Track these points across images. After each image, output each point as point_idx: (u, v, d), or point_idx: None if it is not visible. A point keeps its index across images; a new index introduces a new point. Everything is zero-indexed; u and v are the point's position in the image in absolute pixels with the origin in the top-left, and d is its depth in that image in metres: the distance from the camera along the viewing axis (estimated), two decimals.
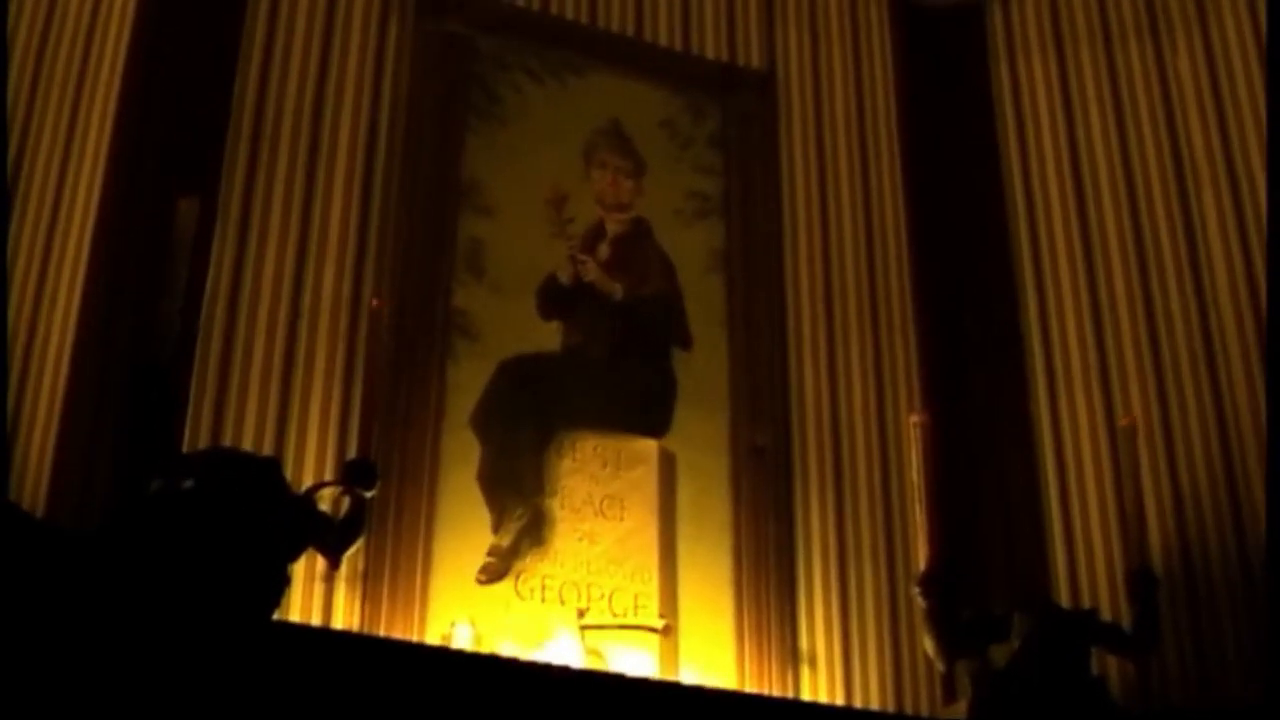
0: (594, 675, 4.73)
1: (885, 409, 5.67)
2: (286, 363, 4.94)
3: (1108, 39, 6.16)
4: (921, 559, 4.95)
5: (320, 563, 4.61)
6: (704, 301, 5.65)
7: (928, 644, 4.93)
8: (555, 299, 5.45)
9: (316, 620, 4.65)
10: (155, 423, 4.26)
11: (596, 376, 5.38)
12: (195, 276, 4.68)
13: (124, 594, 3.89)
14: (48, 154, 4.80)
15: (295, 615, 4.62)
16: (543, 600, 5.00)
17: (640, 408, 5.38)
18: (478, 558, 4.96)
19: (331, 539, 4.36)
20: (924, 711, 5.20)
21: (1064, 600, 5.31)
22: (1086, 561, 5.40)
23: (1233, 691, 5.07)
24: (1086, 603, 5.25)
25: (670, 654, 5.05)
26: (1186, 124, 5.87)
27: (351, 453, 4.66)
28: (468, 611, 4.85)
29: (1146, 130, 5.95)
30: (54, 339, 4.63)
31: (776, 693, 5.03)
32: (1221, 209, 5.66)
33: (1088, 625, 4.94)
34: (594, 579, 5.07)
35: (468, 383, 5.19)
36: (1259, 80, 5.75)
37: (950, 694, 5.15)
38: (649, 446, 5.34)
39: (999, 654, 4.89)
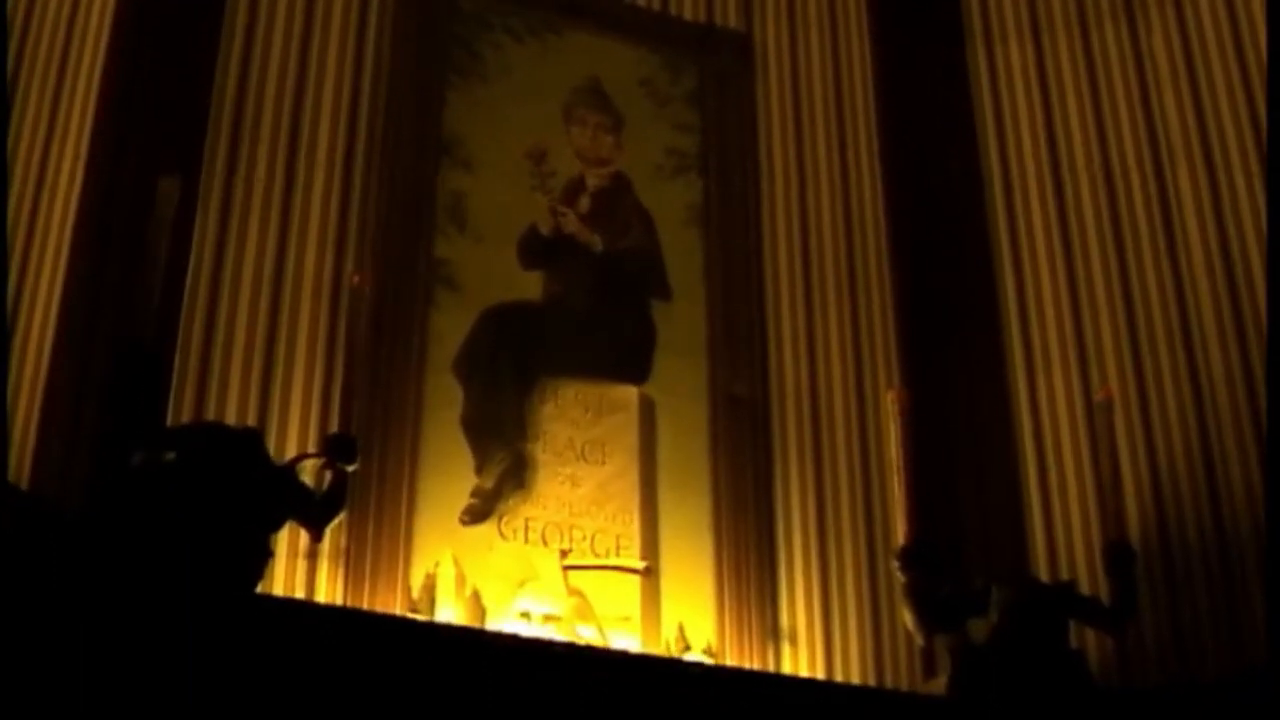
0: (576, 649, 4.75)
1: (864, 385, 5.69)
2: (269, 338, 4.96)
3: (1083, 20, 6.18)
4: (900, 534, 4.98)
5: (303, 540, 4.63)
6: (682, 254, 5.72)
7: (907, 618, 4.96)
8: (536, 250, 5.51)
9: (300, 596, 4.67)
10: (138, 398, 4.28)
11: (577, 325, 5.43)
12: (179, 253, 4.70)
13: (107, 567, 3.90)
14: (30, 134, 4.82)
15: (279, 592, 4.63)
16: (525, 541, 5.05)
17: (620, 356, 5.44)
18: (461, 499, 5.00)
19: (313, 512, 4.39)
20: (904, 685, 5.22)
21: (1042, 574, 5.34)
22: (1064, 535, 5.43)
23: (1209, 664, 5.10)
24: (1065, 577, 5.27)
25: (652, 594, 5.11)
26: (1162, 103, 5.90)
27: (334, 427, 4.67)
28: (451, 551, 4.89)
29: (1122, 110, 5.97)
30: (38, 315, 4.64)
31: (757, 667, 5.06)
32: (1197, 187, 5.69)
33: (1065, 598, 4.97)
34: (576, 521, 5.12)
35: (450, 331, 5.25)
36: (1234, 60, 5.78)
37: (930, 668, 5.18)
38: (629, 393, 5.40)
39: (978, 628, 4.92)
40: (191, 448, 4.19)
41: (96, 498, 4.21)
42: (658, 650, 5.00)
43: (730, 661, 5.06)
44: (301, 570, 4.70)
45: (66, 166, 4.84)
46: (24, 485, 4.35)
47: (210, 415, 4.74)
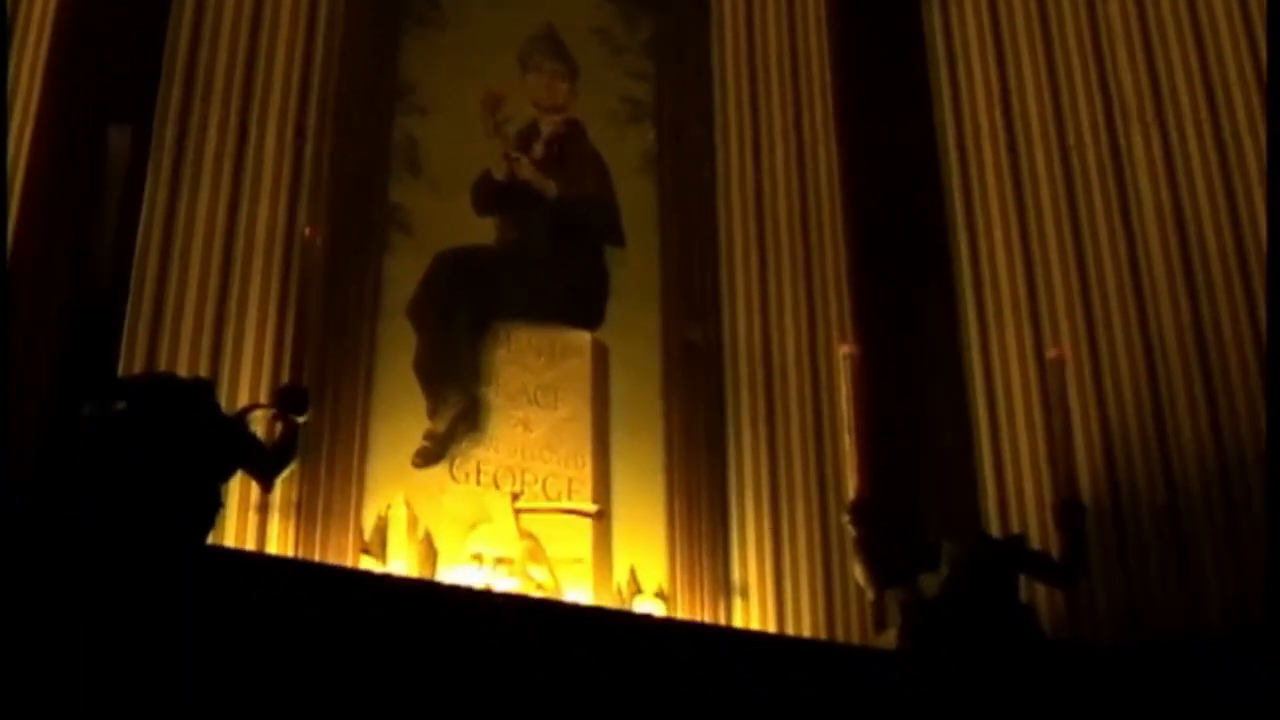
0: (528, 601, 4.76)
1: (816, 341, 5.70)
2: (222, 290, 4.96)
3: None
4: (852, 489, 4.98)
5: (255, 493, 4.63)
6: (636, 202, 5.77)
7: (858, 572, 4.96)
8: (490, 195, 5.54)
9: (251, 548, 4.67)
10: (90, 348, 4.27)
11: (531, 270, 5.46)
12: (131, 204, 4.68)
13: (58, 517, 3.90)
14: None
15: (230, 544, 4.63)
16: (478, 484, 5.09)
17: (574, 301, 5.47)
18: (414, 443, 5.02)
19: (264, 462, 4.38)
20: (855, 639, 5.24)
21: (994, 530, 5.35)
22: (1016, 492, 5.44)
23: (1159, 619, 5.12)
24: (1016, 532, 5.29)
25: (603, 538, 5.16)
26: (1116, 64, 5.91)
27: (286, 379, 4.66)
28: (404, 494, 4.90)
29: (1076, 70, 5.98)
30: None
31: (708, 617, 5.08)
32: (1150, 147, 5.71)
33: (1016, 553, 4.98)
34: (528, 464, 5.15)
35: (404, 276, 5.31)
36: (1187, 20, 5.80)
37: (880, 622, 5.20)
38: (583, 338, 5.44)
39: (929, 582, 4.93)
40: (142, 398, 4.18)
41: (48, 448, 4.19)
42: (609, 593, 5.03)
43: (681, 605, 5.11)
44: (253, 523, 4.70)
45: (17, 119, 4.83)
46: None
47: (162, 367, 4.74)
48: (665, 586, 5.08)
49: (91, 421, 4.11)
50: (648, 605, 5.06)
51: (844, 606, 5.31)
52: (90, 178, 4.46)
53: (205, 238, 4.98)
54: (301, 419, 4.46)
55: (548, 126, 5.71)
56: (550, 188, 5.61)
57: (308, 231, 4.83)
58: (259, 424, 4.53)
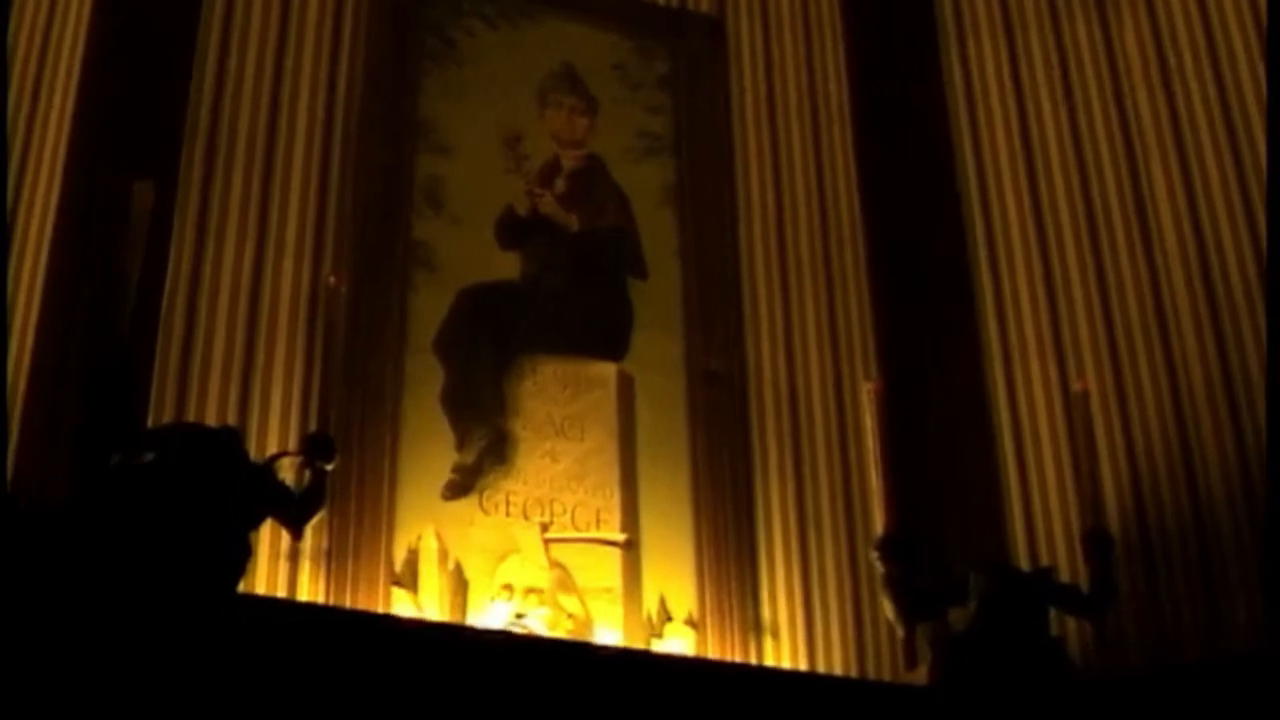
0: (559, 644, 4.78)
1: (841, 377, 5.72)
2: (248, 339, 4.98)
3: (1055, 16, 6.21)
4: (880, 525, 5.00)
5: (285, 541, 4.66)
6: (658, 234, 5.77)
7: (887, 608, 4.96)
8: (513, 230, 5.55)
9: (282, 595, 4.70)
10: (117, 400, 4.31)
11: (554, 303, 5.49)
12: (157, 255, 4.73)
13: (87, 567, 3.92)
14: (10, 140, 4.84)
15: (261, 592, 4.65)
16: (507, 515, 5.09)
17: (598, 333, 5.49)
18: (442, 475, 5.05)
19: (292, 510, 4.41)
20: (886, 676, 5.23)
21: (1022, 563, 5.35)
22: (1044, 525, 5.44)
23: (1189, 650, 5.12)
24: (1044, 565, 5.28)
25: (633, 566, 5.16)
26: (1134, 97, 5.92)
27: (313, 426, 4.69)
28: (433, 525, 4.94)
29: (1095, 104, 6.00)
30: (18, 319, 4.65)
31: (738, 659, 5.08)
32: (1170, 179, 5.72)
33: (1045, 586, 4.98)
34: (556, 495, 5.16)
35: (429, 312, 5.30)
36: (1205, 53, 5.81)
37: (911, 658, 5.17)
38: (607, 370, 5.45)
39: (958, 617, 4.93)
40: (170, 448, 4.22)
41: (76, 499, 4.22)
42: (639, 621, 5.05)
43: (711, 631, 5.11)
44: (284, 570, 4.72)
45: (45, 172, 4.87)
46: (4, 487, 4.37)
47: (190, 417, 4.76)
48: (695, 612, 5.10)
49: (120, 472, 4.14)
50: (678, 633, 5.07)
51: (874, 643, 5.31)
52: (116, 232, 4.51)
53: (231, 289, 5.02)
54: (329, 466, 4.50)
55: (568, 162, 5.75)
56: (572, 222, 5.64)
57: (332, 281, 4.88)
58: (287, 471, 4.56)
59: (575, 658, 4.65)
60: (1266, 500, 4.99)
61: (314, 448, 4.50)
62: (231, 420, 4.82)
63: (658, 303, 5.62)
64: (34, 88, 4.97)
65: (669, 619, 5.09)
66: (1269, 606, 4.89)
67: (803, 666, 5.17)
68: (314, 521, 4.49)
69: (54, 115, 4.96)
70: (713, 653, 5.09)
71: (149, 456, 4.16)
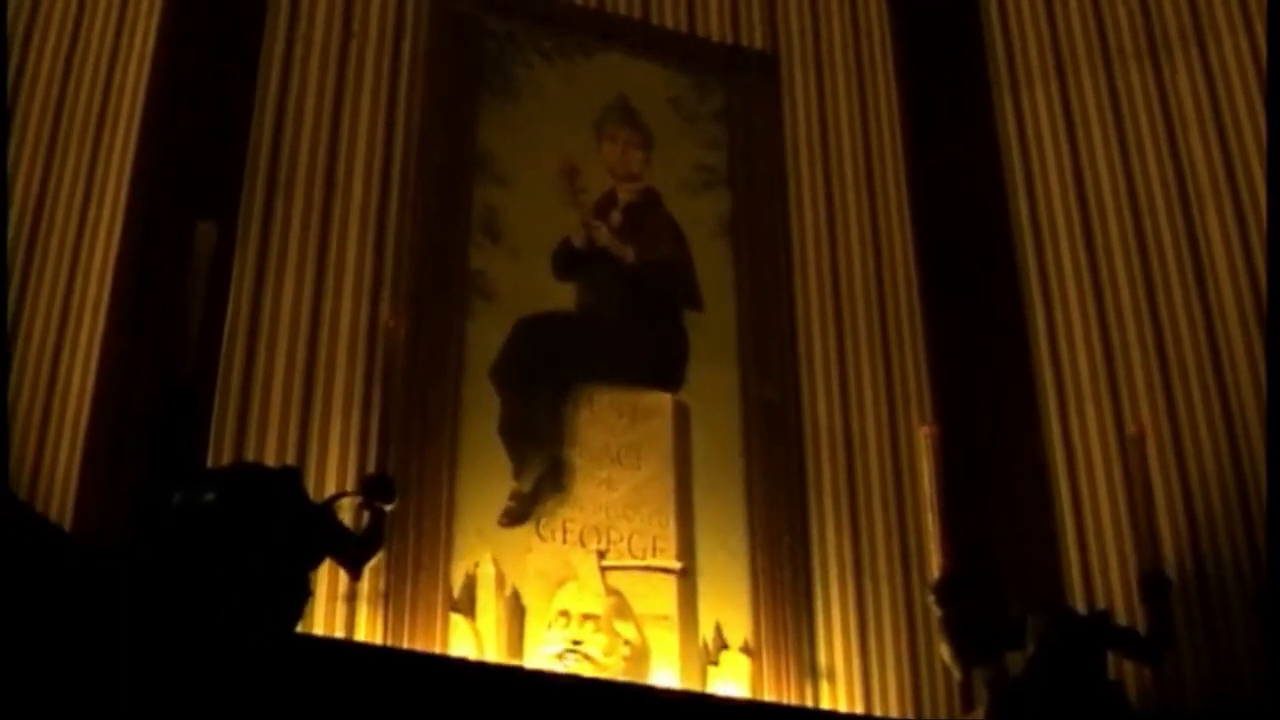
0: (614, 685, 4.79)
1: (896, 421, 5.73)
2: (307, 380, 5.03)
3: (1108, 62, 6.23)
4: (936, 567, 4.99)
5: (343, 582, 4.67)
6: (713, 266, 5.84)
7: (944, 652, 4.96)
8: (570, 261, 5.62)
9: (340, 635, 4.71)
10: (178, 439, 4.34)
11: (611, 334, 5.53)
12: (217, 295, 4.77)
13: (148, 608, 3.94)
14: (71, 182, 4.86)
15: (319, 633, 4.66)
16: (564, 542, 5.12)
17: (654, 363, 5.53)
18: (500, 503, 5.07)
19: (351, 550, 4.42)
20: (943, 719, 5.23)
21: (1078, 605, 5.33)
22: (1100, 567, 5.42)
23: (1246, 693, 5.09)
24: (1100, 607, 5.26)
25: (688, 594, 5.18)
26: (1188, 141, 5.93)
27: (372, 465, 4.71)
28: (491, 552, 4.95)
29: (1148, 149, 6.01)
30: (79, 359, 4.69)
31: (794, 698, 5.08)
32: (1224, 223, 5.72)
33: (1102, 628, 4.97)
34: (613, 523, 5.18)
35: (486, 340, 5.36)
36: (1258, 96, 5.82)
37: (968, 701, 5.17)
38: (663, 400, 5.49)
39: (1015, 660, 4.92)
40: (230, 488, 4.24)
41: (138, 539, 4.24)
42: (695, 648, 5.07)
43: (767, 660, 5.13)
44: (342, 611, 4.74)
45: (106, 213, 4.91)
46: (67, 527, 4.39)
47: (250, 456, 4.79)
48: (750, 640, 5.11)
49: (181, 512, 4.16)
50: (734, 660, 5.09)
51: (931, 686, 5.30)
52: (177, 273, 4.54)
53: (290, 329, 5.07)
54: (388, 507, 4.50)
55: (625, 195, 5.81)
56: (628, 254, 5.69)
57: (390, 322, 4.90)
58: (346, 512, 4.58)
59: (633, 698, 4.66)
60: None
61: (373, 488, 4.51)
62: (290, 458, 4.85)
63: (713, 334, 5.67)
64: (96, 128, 5.00)
65: (725, 646, 5.11)
66: None
67: (859, 709, 5.17)
68: (372, 563, 4.49)
69: (115, 156, 5.00)
70: (768, 685, 5.10)
71: (210, 496, 4.19)
